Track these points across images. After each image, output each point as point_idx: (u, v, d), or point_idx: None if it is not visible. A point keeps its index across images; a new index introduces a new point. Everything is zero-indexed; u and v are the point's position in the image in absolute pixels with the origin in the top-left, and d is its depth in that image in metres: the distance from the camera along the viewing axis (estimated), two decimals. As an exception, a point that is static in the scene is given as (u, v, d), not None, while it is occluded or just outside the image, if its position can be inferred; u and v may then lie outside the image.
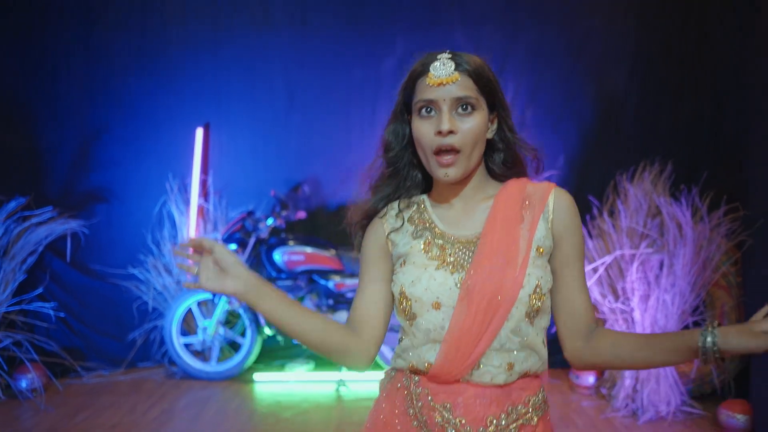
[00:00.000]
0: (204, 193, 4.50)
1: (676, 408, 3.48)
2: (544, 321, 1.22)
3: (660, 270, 3.50)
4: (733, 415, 3.22)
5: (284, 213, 4.10)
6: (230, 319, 4.30)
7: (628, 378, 3.54)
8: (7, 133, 4.37)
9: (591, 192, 4.03)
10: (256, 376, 4.13)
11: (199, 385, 4.10)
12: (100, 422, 3.52)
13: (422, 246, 1.23)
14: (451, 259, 1.20)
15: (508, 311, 1.15)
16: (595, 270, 3.68)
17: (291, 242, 4.10)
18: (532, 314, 1.17)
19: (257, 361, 4.31)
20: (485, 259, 1.17)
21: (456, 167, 1.19)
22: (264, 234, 4.05)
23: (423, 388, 1.20)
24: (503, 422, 1.16)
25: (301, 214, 4.20)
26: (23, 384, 3.86)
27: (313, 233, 4.39)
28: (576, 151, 4.28)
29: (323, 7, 4.41)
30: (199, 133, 4.46)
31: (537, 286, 1.17)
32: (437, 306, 1.18)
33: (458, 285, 1.17)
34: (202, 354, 4.24)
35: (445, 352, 1.16)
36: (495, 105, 1.23)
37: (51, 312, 3.91)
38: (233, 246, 4.06)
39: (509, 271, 1.16)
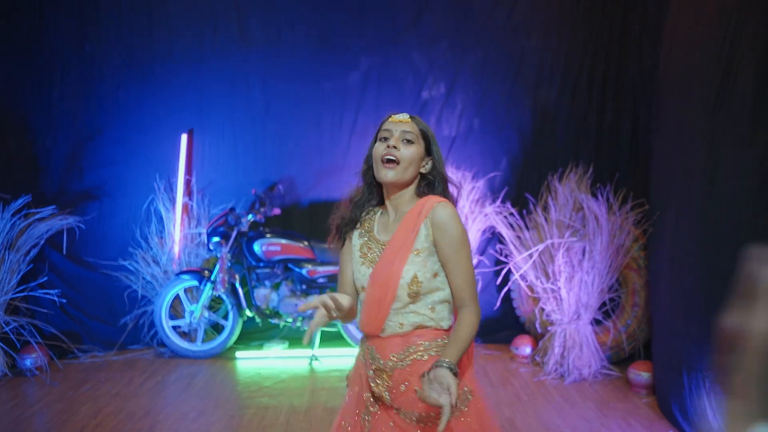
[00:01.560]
0: (188, 192, 4.98)
1: (596, 371, 4.16)
2: (429, 298, 1.71)
3: (582, 255, 4.17)
4: (639, 373, 3.91)
5: (262, 209, 4.63)
6: (213, 304, 4.81)
7: (557, 347, 4.20)
8: (7, 137, 4.78)
9: (528, 190, 4.71)
10: (238, 353, 4.67)
11: (186, 363, 4.60)
12: (102, 392, 4.01)
13: (360, 245, 1.80)
14: (370, 256, 1.76)
15: (394, 293, 1.69)
16: (530, 256, 4.34)
17: (268, 235, 4.64)
18: (412, 295, 1.69)
19: (238, 341, 4.84)
20: (383, 257, 1.72)
21: (394, 172, 1.72)
22: (245, 228, 4.57)
23: (364, 340, 1.83)
24: (402, 356, 1.72)
25: (277, 211, 4.73)
26: (28, 363, 4.31)
27: (288, 227, 4.93)
28: (516, 155, 4.91)
29: (296, 27, 4.93)
30: (184, 138, 4.95)
31: (414, 277, 1.67)
32: (363, 289, 1.77)
33: (369, 271, 1.75)
34: (188, 335, 4.75)
35: (365, 320, 1.76)
36: (431, 151, 1.78)
37: (56, 298, 4.37)
38: (216, 239, 4.57)
39: (395, 266, 1.68)
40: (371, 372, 1.75)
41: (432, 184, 1.78)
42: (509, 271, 4.48)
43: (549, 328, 4.26)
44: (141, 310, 4.88)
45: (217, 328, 4.85)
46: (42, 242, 4.50)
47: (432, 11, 4.93)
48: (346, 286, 1.85)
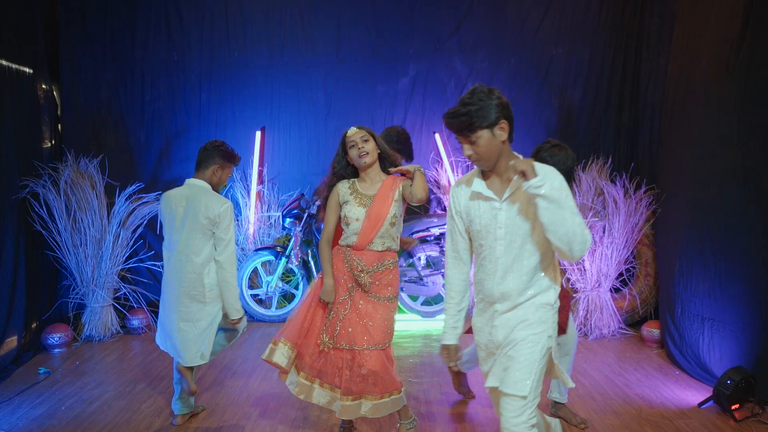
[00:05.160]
0: (261, 181, 5.79)
1: (614, 330, 4.92)
2: (395, 229, 3.04)
3: (603, 232, 4.92)
4: (651, 330, 4.67)
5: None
6: (285, 276, 5.61)
7: (581, 310, 4.96)
8: (108, 134, 5.62)
9: (555, 179, 5.45)
10: (307, 318, 5.46)
11: (263, 325, 5.41)
12: (202, 345, 4.82)
13: (353, 197, 3.02)
14: (363, 202, 3.01)
15: (382, 222, 2.98)
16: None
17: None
18: (390, 224, 3.01)
19: (305, 308, 5.62)
20: (375, 203, 2.99)
21: (367, 158, 2.99)
22: (313, 210, 5.36)
23: (349, 252, 3.01)
24: (375, 266, 3.01)
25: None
26: (135, 323, 5.16)
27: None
28: (544, 149, 5.66)
29: (353, 40, 5.71)
30: (258, 134, 5.76)
31: (393, 215, 3.01)
32: (357, 220, 2.99)
33: (364, 212, 2.98)
34: (264, 303, 5.56)
35: (359, 239, 2.98)
36: (376, 140, 3.03)
37: (161, 269, 5.18)
38: (290, 219, 5.36)
39: (383, 208, 2.98)
40: (357, 271, 3.00)
41: (383, 156, 3.07)
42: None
43: (574, 294, 5.01)
44: (221, 282, 5.69)
45: (287, 297, 5.66)
46: (145, 222, 5.32)
47: (470, 24, 5.69)
48: (331, 223, 3.09)
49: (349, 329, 3.00)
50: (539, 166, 2.11)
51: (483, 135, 2.16)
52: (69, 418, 3.49)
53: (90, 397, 3.79)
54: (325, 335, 3.03)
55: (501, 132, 2.17)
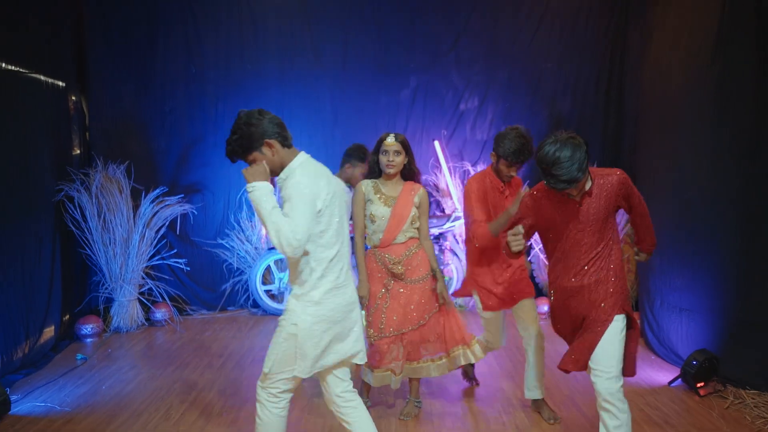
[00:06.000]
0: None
1: (599, 322, 5.36)
2: (415, 224, 3.44)
3: (588, 232, 5.37)
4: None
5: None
6: (295, 274, 6.04)
7: (568, 304, 5.40)
8: (131, 141, 6.06)
9: (546, 183, 5.91)
10: (316, 312, 5.90)
11: (275, 319, 5.82)
12: (222, 335, 5.29)
13: (377, 197, 3.40)
14: (388, 202, 3.39)
15: (404, 221, 3.40)
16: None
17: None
18: (412, 223, 3.43)
19: (314, 303, 6.07)
20: (398, 204, 3.40)
21: (392, 169, 3.37)
22: (322, 212, 5.80)
23: (378, 252, 3.42)
24: (404, 254, 3.41)
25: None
26: (158, 315, 5.60)
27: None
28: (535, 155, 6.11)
29: (358, 54, 6.16)
30: (270, 141, 6.19)
31: (413, 216, 3.42)
32: (382, 218, 3.38)
33: (389, 211, 3.37)
34: (276, 297, 6.00)
35: (384, 236, 3.39)
36: (408, 153, 3.38)
37: (183, 266, 5.65)
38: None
39: (405, 209, 3.40)
40: (391, 265, 3.38)
41: (407, 169, 3.43)
42: (530, 246, 5.69)
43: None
44: (236, 278, 6.14)
45: (297, 293, 6.09)
46: (167, 223, 5.76)
47: (467, 39, 6.15)
48: (361, 217, 3.43)
49: (394, 317, 3.37)
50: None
51: None
52: (110, 395, 3.93)
53: (126, 378, 4.24)
54: (370, 329, 3.41)
55: None
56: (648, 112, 5.01)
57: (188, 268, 5.89)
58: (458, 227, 5.99)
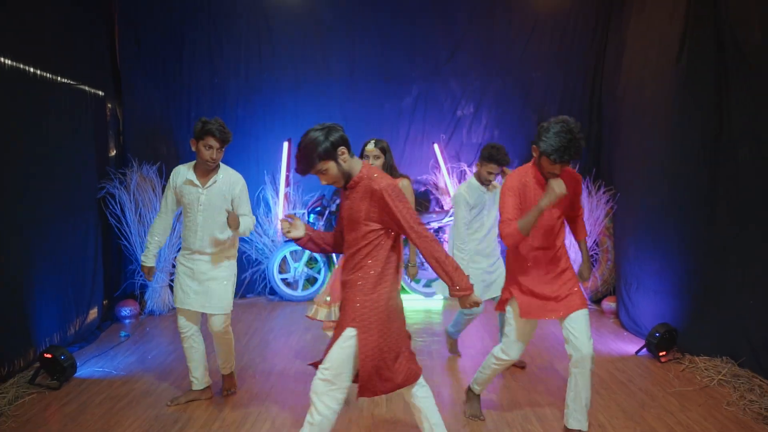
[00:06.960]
0: (287, 183, 6.88)
1: (581, 305, 6.00)
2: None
3: (571, 225, 6.00)
4: (609, 303, 5.77)
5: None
6: (310, 263, 6.69)
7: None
8: (160, 143, 6.69)
9: (534, 181, 6.56)
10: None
11: (291, 304, 6.49)
12: (244, 318, 5.92)
13: None
14: None
15: None
16: (535, 227, 6.19)
17: (349, 213, 6.52)
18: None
19: (325, 290, 6.71)
20: None
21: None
22: (333, 208, 6.46)
23: None
24: None
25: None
26: (187, 301, 6.22)
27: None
28: (525, 157, 6.75)
29: (365, 64, 6.81)
30: (285, 144, 6.85)
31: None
32: None
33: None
34: (291, 285, 6.65)
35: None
36: (387, 155, 3.88)
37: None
38: (313, 215, 6.46)
39: None
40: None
41: (387, 168, 3.82)
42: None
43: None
44: (255, 268, 6.78)
45: (310, 281, 6.74)
46: (193, 218, 6.38)
47: (464, 50, 6.80)
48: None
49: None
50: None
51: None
52: (156, 363, 4.58)
53: (167, 350, 4.88)
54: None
55: None
56: (622, 117, 5.66)
57: (214, 258, 6.50)
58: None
